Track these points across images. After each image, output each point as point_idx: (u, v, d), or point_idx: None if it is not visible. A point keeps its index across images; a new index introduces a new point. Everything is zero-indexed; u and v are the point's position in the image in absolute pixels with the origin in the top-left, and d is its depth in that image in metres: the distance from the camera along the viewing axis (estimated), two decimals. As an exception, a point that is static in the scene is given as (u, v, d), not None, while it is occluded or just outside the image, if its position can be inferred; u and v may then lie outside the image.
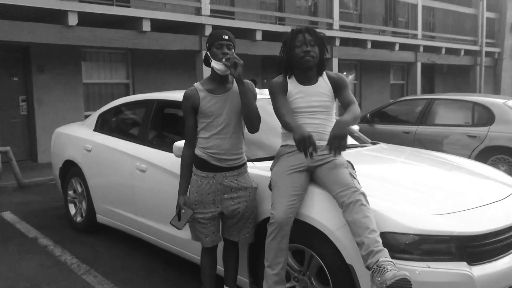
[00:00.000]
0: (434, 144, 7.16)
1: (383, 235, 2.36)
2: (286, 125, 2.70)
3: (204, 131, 2.76)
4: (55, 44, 7.74)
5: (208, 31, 9.12)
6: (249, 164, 3.15)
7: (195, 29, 9.11)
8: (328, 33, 11.57)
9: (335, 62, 11.75)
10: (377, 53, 12.98)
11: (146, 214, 3.89)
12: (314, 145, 2.48)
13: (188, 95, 2.77)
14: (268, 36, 10.19)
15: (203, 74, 9.14)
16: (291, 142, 2.79)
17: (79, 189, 4.86)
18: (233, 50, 2.73)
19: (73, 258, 4.17)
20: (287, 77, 2.87)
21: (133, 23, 8.32)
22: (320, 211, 2.59)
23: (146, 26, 8.24)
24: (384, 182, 2.85)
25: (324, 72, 2.89)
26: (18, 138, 8.63)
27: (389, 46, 13.26)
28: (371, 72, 15.02)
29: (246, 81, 2.75)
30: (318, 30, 2.82)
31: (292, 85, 2.84)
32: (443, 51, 14.80)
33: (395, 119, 8.04)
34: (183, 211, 2.79)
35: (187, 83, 9.72)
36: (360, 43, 12.52)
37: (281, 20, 11.42)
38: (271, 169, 2.85)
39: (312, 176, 2.73)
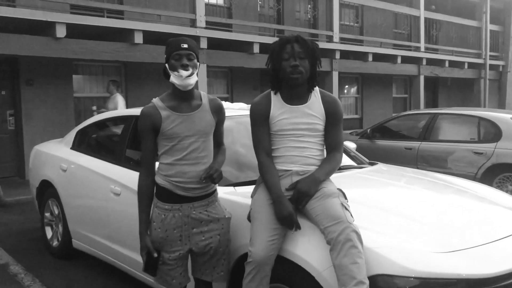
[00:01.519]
0: (438, 161, 6.80)
1: (376, 278, 2.00)
2: (263, 178, 2.42)
3: (167, 155, 2.38)
4: (44, 57, 7.47)
5: (203, 43, 8.85)
6: (229, 189, 2.81)
7: (190, 41, 8.82)
8: (328, 45, 11.30)
9: (335, 75, 11.46)
10: (379, 66, 12.68)
11: (121, 242, 3.53)
12: (297, 224, 2.25)
13: (147, 113, 2.36)
14: (266, 48, 9.90)
15: (198, 87, 8.85)
16: (277, 165, 2.45)
17: (56, 212, 4.52)
18: (195, 61, 2.34)
19: (42, 289, 3.81)
20: (274, 93, 2.51)
21: (125, 35, 8.05)
22: (307, 248, 2.24)
23: (138, 39, 7.97)
24: (380, 211, 2.49)
25: (318, 91, 2.51)
26: (5, 154, 8.32)
27: (391, 58, 12.96)
28: (373, 86, 14.71)
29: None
30: (310, 40, 2.46)
31: (276, 105, 2.46)
32: (447, 64, 14.50)
33: (397, 135, 7.68)
34: (155, 254, 2.38)
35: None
36: (361, 56, 12.23)
37: (279, 33, 11.15)
38: (251, 196, 2.49)
39: (298, 206, 2.37)
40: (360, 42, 12.73)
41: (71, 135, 4.60)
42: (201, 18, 8.75)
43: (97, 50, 7.62)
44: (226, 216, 2.48)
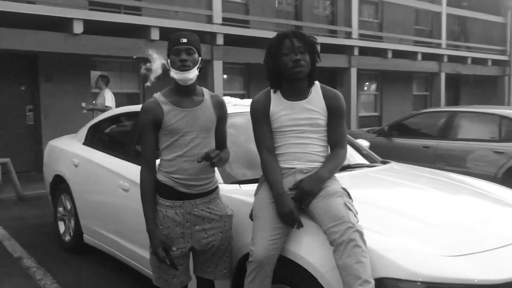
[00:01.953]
0: (456, 160, 6.63)
1: (381, 281, 1.93)
2: (265, 175, 2.38)
3: (167, 151, 2.34)
4: (63, 53, 7.56)
5: (220, 40, 8.83)
6: (234, 187, 2.77)
7: (206, 37, 8.81)
8: (347, 42, 11.17)
9: (353, 72, 11.31)
10: (398, 63, 12.48)
11: (130, 238, 3.53)
12: (298, 221, 2.18)
13: (149, 108, 2.33)
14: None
15: (214, 84, 8.84)
16: (280, 163, 2.40)
17: (68, 206, 4.54)
18: (195, 56, 2.29)
19: (53, 283, 3.83)
20: (273, 91, 2.45)
21: (142, 31, 8.08)
22: (310, 249, 2.18)
23: (155, 35, 7.99)
24: (388, 212, 2.41)
25: (319, 86, 2.45)
26: (23, 149, 8.44)
27: (411, 55, 12.74)
28: (392, 83, 14.48)
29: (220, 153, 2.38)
30: (308, 34, 2.40)
31: (276, 101, 2.42)
32: (469, 61, 14.18)
33: (415, 133, 7.53)
34: (174, 248, 2.33)
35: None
36: (381, 53, 12.05)
37: (298, 29, 11.05)
38: (255, 195, 2.44)
39: (301, 205, 2.31)
40: (379, 39, 12.53)
41: (84, 131, 4.62)
42: (217, 14, 8.73)
43: (114, 46, 7.67)
44: (228, 213, 2.44)
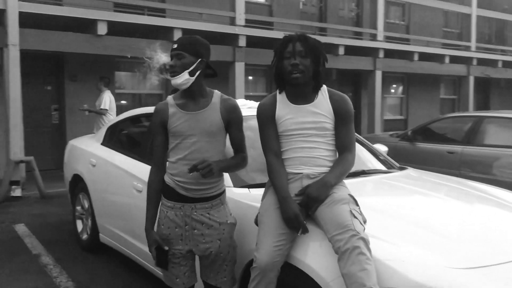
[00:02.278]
0: (482, 166, 6.42)
1: (386, 293, 1.87)
2: (270, 180, 2.35)
3: (172, 153, 2.35)
4: (88, 54, 7.69)
5: (242, 41, 8.83)
6: (243, 191, 2.73)
7: (229, 39, 8.83)
8: (372, 44, 11.01)
9: (378, 74, 11.15)
10: (425, 65, 12.24)
11: (142, 239, 3.53)
12: (303, 226, 2.14)
13: (157, 110, 2.37)
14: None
15: (236, 85, 8.84)
16: (286, 168, 2.36)
17: (86, 205, 4.60)
18: (184, 60, 2.25)
19: (68, 281, 3.88)
20: (279, 92, 2.42)
21: (165, 33, 8.15)
22: (315, 256, 2.13)
23: (178, 36, 8.03)
24: (399, 220, 2.33)
25: (326, 90, 2.39)
26: (48, 147, 8.62)
27: (438, 58, 12.47)
28: (419, 86, 14.20)
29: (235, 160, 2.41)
30: (313, 38, 2.34)
31: (281, 105, 2.38)
32: (500, 64, 13.78)
33: (440, 138, 7.33)
34: (166, 247, 2.35)
35: (221, 95, 9.40)
36: (407, 55, 11.83)
37: (322, 31, 10.97)
38: (262, 200, 2.41)
39: (308, 212, 2.26)
40: (405, 41, 12.31)
41: (103, 131, 4.67)
42: (240, 16, 8.73)
43: (137, 47, 7.72)
44: (228, 222, 2.38)
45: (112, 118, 7.64)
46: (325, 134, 2.32)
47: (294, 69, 2.25)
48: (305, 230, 2.15)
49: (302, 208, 2.21)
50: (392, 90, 14.15)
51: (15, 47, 6.52)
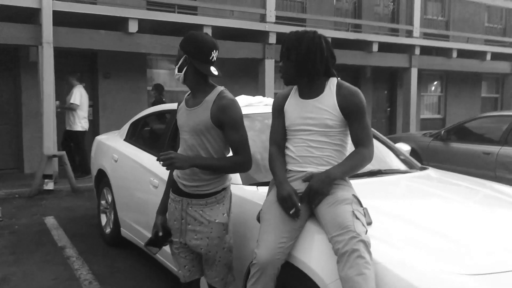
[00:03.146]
0: (519, 168, 6.12)
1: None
2: (270, 168, 2.36)
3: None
4: (120, 51, 7.83)
5: (272, 39, 8.76)
6: (251, 189, 2.69)
7: (259, 36, 8.78)
8: (407, 41, 10.71)
9: (414, 72, 10.82)
10: (465, 63, 11.78)
11: (158, 234, 3.56)
12: (296, 206, 2.10)
13: (177, 105, 2.53)
14: (340, 44, 9.57)
15: (265, 83, 8.79)
16: (291, 166, 2.31)
17: (109, 200, 4.68)
18: (181, 59, 2.27)
19: (88, 274, 3.96)
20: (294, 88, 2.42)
21: (195, 30, 8.18)
22: (316, 257, 2.06)
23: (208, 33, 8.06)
24: (407, 223, 2.22)
25: (335, 83, 2.28)
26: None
27: (479, 55, 11.98)
28: (459, 84, 13.70)
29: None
30: (292, 37, 2.23)
31: (292, 99, 2.37)
32: (547, 61, 13.10)
33: (475, 138, 7.03)
34: (160, 233, 2.47)
35: (252, 93, 9.39)
36: (445, 52, 11.43)
37: (356, 27, 10.75)
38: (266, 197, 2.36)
39: (311, 205, 2.19)
40: (445, 37, 11.90)
41: (126, 127, 4.74)
42: (271, 13, 8.67)
43: (167, 44, 7.83)
44: (217, 221, 2.31)
45: (82, 114, 7.67)
46: (327, 132, 2.23)
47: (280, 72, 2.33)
48: (297, 210, 2.11)
49: (305, 204, 2.16)
50: (430, 88, 13.72)
51: (49, 45, 6.72)
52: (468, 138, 7.04)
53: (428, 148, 7.49)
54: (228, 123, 2.24)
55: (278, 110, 2.39)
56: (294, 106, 2.31)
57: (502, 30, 13.98)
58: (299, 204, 2.13)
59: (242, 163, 2.29)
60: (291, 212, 2.11)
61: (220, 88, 2.35)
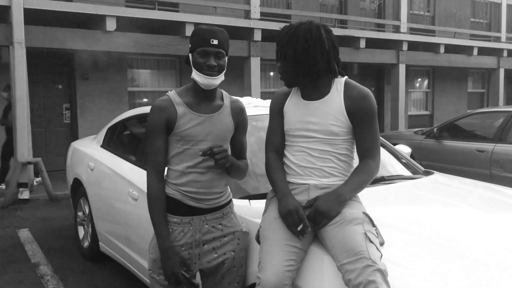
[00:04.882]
0: (515, 166, 5.93)
1: None
2: (268, 176, 2.06)
3: (177, 160, 2.01)
4: (99, 51, 7.45)
5: (257, 35, 8.47)
6: (243, 203, 2.38)
7: (244, 34, 8.48)
8: (395, 36, 10.51)
9: (402, 68, 10.63)
10: (452, 58, 11.64)
11: (139, 251, 3.23)
12: (304, 221, 1.79)
13: (161, 107, 1.99)
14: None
15: (251, 82, 8.49)
16: (289, 177, 2.00)
17: (87, 211, 4.33)
18: (225, 59, 1.98)
19: (63, 295, 3.62)
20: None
21: (177, 28, 7.85)
22: (329, 285, 1.76)
23: (189, 31, 7.72)
24: (422, 240, 1.93)
25: (343, 82, 1.99)
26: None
27: (466, 50, 11.85)
28: (446, 80, 13.58)
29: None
30: (285, 35, 1.95)
31: (292, 99, 2.06)
32: (532, 55, 13.06)
33: (469, 135, 6.83)
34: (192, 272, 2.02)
35: (238, 93, 9.07)
36: (432, 48, 11.26)
37: (342, 23, 10.51)
38: (263, 214, 2.05)
39: (315, 227, 1.89)
40: (431, 33, 11.74)
41: (103, 132, 4.39)
42: (255, 9, 8.37)
43: (147, 43, 7.48)
44: (244, 230, 2.11)
45: None
46: (332, 140, 1.93)
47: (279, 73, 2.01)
48: (306, 226, 1.82)
49: (310, 222, 1.86)
50: (417, 84, 13.57)
51: (20, 45, 6.31)
52: (461, 135, 6.84)
53: (421, 146, 7.27)
54: (242, 126, 2.16)
55: (277, 111, 2.08)
56: (294, 107, 2.01)
57: (487, 25, 13.89)
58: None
59: (248, 167, 2.21)
60: (298, 229, 1.81)
61: (222, 90, 2.16)
